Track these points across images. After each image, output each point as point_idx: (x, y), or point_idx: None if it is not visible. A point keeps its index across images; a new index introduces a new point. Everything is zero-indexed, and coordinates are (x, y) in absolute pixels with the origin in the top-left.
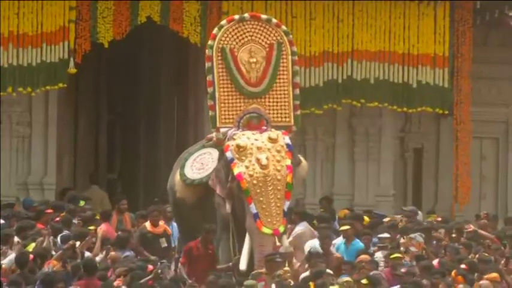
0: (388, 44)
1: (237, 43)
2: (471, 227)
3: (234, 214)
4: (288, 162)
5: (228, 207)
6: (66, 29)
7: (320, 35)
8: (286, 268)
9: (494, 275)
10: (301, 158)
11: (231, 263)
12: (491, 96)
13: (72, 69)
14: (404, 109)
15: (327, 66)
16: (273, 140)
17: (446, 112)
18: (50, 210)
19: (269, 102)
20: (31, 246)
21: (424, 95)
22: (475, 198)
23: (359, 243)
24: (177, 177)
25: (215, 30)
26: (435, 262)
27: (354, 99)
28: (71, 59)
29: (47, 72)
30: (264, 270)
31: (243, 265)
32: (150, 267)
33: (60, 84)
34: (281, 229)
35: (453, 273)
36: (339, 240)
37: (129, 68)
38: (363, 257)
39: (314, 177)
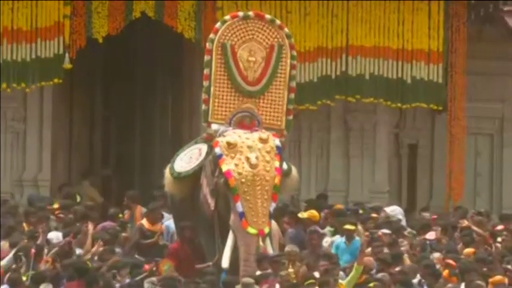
0: (382, 40)
1: (238, 40)
2: (465, 223)
3: (218, 211)
4: (277, 164)
5: (212, 204)
6: (61, 25)
7: (314, 31)
8: (291, 270)
9: (499, 277)
10: (293, 168)
11: (211, 262)
12: (486, 92)
13: (67, 65)
14: (399, 105)
15: (321, 62)
16: (263, 141)
17: (441, 108)
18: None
19: (263, 103)
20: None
21: (418, 91)
22: (470, 195)
23: (359, 242)
24: (167, 171)
25: (218, 25)
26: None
27: (349, 95)
28: (66, 55)
29: (42, 68)
30: (258, 272)
31: (225, 263)
32: (147, 266)
33: (55, 80)
34: (266, 230)
35: (445, 273)
36: (338, 239)
37: (124, 64)
38: (367, 259)
39: (309, 173)
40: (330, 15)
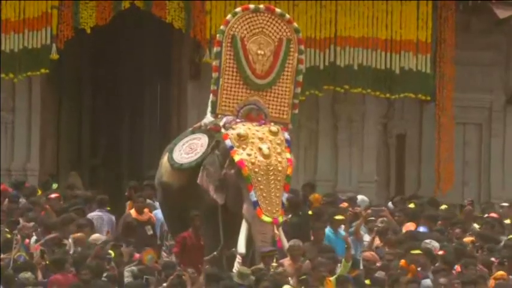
0: (371, 30)
1: (248, 32)
2: (470, 208)
3: (224, 204)
4: (288, 155)
5: (221, 198)
6: (48, 15)
7: (303, 21)
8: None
9: (501, 273)
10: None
11: (216, 252)
12: (474, 82)
13: (54, 55)
14: (387, 95)
15: (309, 52)
16: (273, 133)
17: (429, 98)
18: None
19: (270, 96)
20: None
21: (407, 81)
22: (458, 184)
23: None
24: (165, 161)
25: (228, 17)
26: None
27: (337, 86)
28: (53, 45)
29: (30, 58)
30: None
31: (241, 248)
32: (137, 255)
33: (42, 70)
34: (280, 219)
35: (402, 262)
36: (326, 229)
37: (112, 55)
38: (367, 254)
39: (297, 163)
40: (318, 5)
